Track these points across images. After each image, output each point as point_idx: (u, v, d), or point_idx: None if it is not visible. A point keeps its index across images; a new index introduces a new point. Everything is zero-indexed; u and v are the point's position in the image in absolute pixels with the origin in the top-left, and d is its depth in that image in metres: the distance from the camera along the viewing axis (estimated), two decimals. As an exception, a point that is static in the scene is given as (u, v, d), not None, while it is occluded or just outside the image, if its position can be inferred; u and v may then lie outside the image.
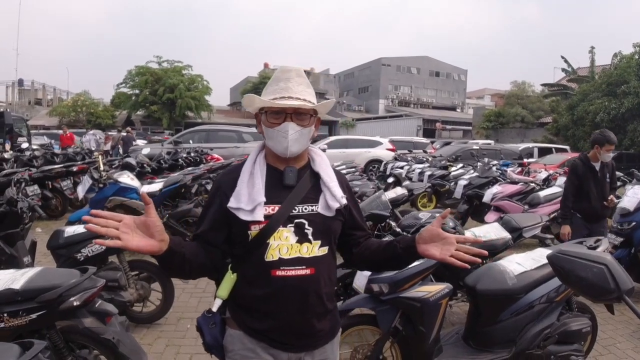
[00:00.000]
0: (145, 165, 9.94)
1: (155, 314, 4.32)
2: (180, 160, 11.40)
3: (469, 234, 4.07)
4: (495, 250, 4.11)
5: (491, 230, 4.24)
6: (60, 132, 21.71)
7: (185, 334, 4.16)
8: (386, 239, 3.26)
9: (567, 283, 1.65)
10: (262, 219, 1.64)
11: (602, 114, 24.90)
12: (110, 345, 2.74)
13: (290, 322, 1.69)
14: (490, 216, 7.36)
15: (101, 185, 6.64)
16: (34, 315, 2.56)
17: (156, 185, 6.99)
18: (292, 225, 1.68)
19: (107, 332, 2.77)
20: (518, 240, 4.53)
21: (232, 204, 1.67)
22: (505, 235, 4.19)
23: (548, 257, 1.69)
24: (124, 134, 21.03)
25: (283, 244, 1.66)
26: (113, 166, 8.53)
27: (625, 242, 5.34)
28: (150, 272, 4.30)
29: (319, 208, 1.73)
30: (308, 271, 1.67)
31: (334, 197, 1.73)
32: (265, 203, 1.66)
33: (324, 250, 1.72)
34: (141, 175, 8.87)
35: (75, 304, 2.62)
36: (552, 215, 7.22)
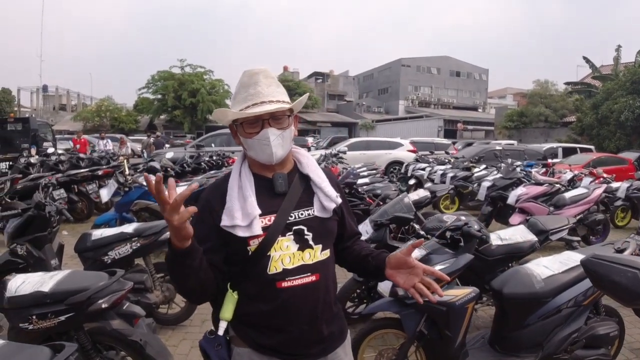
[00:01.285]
0: (169, 169, 10.06)
1: (181, 316, 4.36)
2: (202, 163, 11.53)
3: (494, 236, 4.03)
4: (521, 253, 4.06)
5: (517, 233, 4.19)
6: (74, 136, 20.82)
7: (209, 337, 4.18)
8: (409, 242, 3.24)
9: (600, 287, 1.64)
10: (260, 232, 1.58)
11: (627, 112, 24.47)
12: (138, 347, 2.76)
13: (300, 332, 1.63)
14: (515, 218, 7.27)
15: (127, 189, 6.75)
16: (62, 318, 2.60)
17: (180, 189, 7.03)
18: (291, 233, 1.63)
19: (134, 333, 2.80)
20: (545, 243, 4.46)
21: (225, 222, 1.60)
22: (532, 237, 4.13)
23: (582, 262, 1.67)
24: (152, 139, 21.25)
25: (285, 254, 1.61)
26: (138, 170, 8.63)
27: (653, 244, 5.22)
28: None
29: (315, 211, 1.68)
30: (313, 277, 1.63)
31: (328, 197, 1.69)
32: (260, 215, 1.60)
33: (326, 253, 1.69)
34: (165, 179, 8.94)
35: (103, 306, 2.66)
36: (578, 217, 7.12)
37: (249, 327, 1.67)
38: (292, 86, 51.76)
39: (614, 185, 9.40)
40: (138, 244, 4.00)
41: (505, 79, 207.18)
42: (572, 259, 3.16)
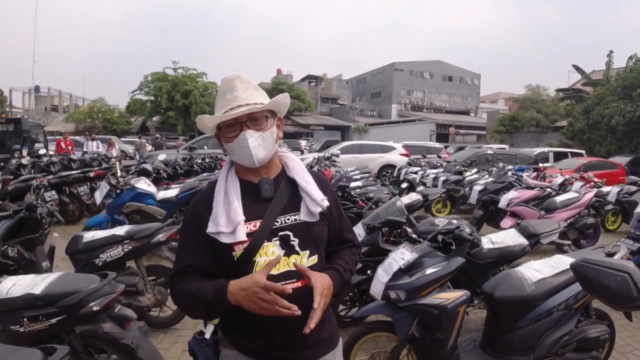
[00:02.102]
0: (161, 171, 10.03)
1: (172, 319, 4.34)
2: (195, 166, 11.50)
3: (485, 240, 4.05)
4: (512, 256, 4.08)
5: (508, 237, 4.21)
6: (60, 137, 19.46)
7: (201, 339, 4.17)
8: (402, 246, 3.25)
9: (590, 291, 1.66)
10: (244, 238, 1.58)
11: (618, 117, 24.69)
12: (129, 350, 2.75)
13: (285, 337, 1.62)
14: (506, 222, 7.30)
15: (118, 191, 6.72)
16: (53, 320, 2.59)
17: (172, 191, 7.04)
18: (277, 238, 1.61)
19: (126, 337, 2.79)
20: (535, 247, 4.49)
21: (210, 228, 1.60)
22: (523, 241, 4.15)
23: (571, 266, 1.69)
24: (144, 140, 21.08)
25: (270, 260, 1.58)
26: (130, 172, 8.60)
27: (643, 248, 5.26)
28: (167, 277, 4.33)
29: (302, 216, 1.66)
30: (299, 284, 1.59)
31: (314, 201, 1.67)
32: (245, 220, 1.60)
33: (314, 259, 1.67)
34: (157, 181, 8.94)
35: (95, 309, 2.65)
36: (569, 221, 7.16)
37: (235, 330, 1.67)
38: (286, 89, 51.80)
39: (605, 189, 9.48)
40: (130, 247, 3.98)
41: (497, 83, 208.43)
42: (562, 262, 3.18)
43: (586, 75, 35.34)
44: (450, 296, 3.01)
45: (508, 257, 4.06)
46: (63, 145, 16.73)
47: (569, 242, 6.14)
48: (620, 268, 1.48)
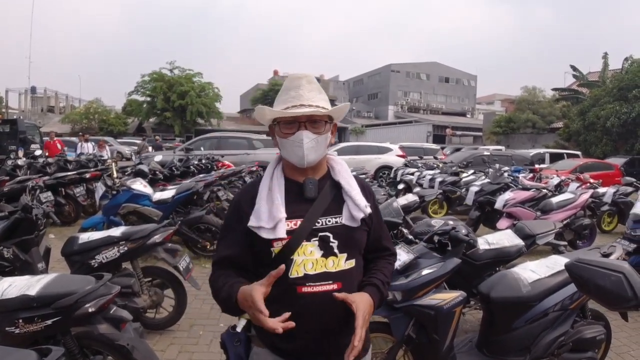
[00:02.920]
0: (157, 172, 10.01)
1: (168, 320, 4.33)
2: (191, 167, 11.46)
3: (481, 240, 4.06)
4: (508, 257, 4.09)
5: (504, 237, 4.22)
6: (48, 139, 18.25)
7: (198, 340, 4.17)
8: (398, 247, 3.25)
9: (585, 291, 1.66)
10: (284, 235, 1.59)
11: (613, 118, 24.76)
12: (125, 352, 2.74)
13: (318, 340, 1.62)
14: (503, 223, 7.31)
15: (114, 192, 6.71)
16: (49, 322, 2.58)
17: (169, 193, 7.03)
18: (316, 239, 1.62)
19: (121, 338, 2.78)
20: (531, 248, 4.50)
21: (252, 222, 1.62)
22: (519, 242, 4.16)
23: (566, 266, 1.69)
24: (144, 141, 21.00)
25: (308, 259, 1.61)
26: (126, 173, 8.59)
27: (639, 248, 5.29)
28: (163, 279, 4.32)
29: (343, 219, 1.66)
30: (335, 286, 1.60)
31: (357, 206, 1.67)
32: (287, 218, 1.61)
33: (351, 263, 1.67)
34: (153, 182, 8.93)
35: (90, 310, 2.64)
36: (565, 222, 7.18)
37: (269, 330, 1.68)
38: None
39: (601, 190, 9.52)
40: (125, 248, 3.97)
41: (494, 85, 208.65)
42: (558, 263, 3.18)
43: (582, 76, 35.43)
44: (447, 297, 3.01)
45: (504, 258, 4.07)
46: (59, 146, 16.53)
47: (565, 243, 6.16)
48: (614, 268, 1.48)
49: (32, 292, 2.60)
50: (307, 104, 1.62)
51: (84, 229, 6.22)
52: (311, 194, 1.66)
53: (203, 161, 12.41)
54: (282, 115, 1.63)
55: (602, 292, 1.49)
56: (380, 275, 1.76)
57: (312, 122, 1.63)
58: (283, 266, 1.53)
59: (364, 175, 10.86)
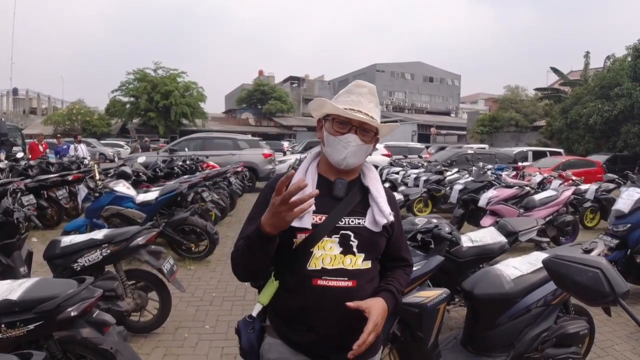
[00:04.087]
0: (141, 173, 9.92)
1: (153, 323, 4.30)
2: (176, 168, 11.39)
3: (465, 238, 4.08)
4: (491, 254, 4.12)
5: (487, 235, 4.25)
6: (34, 140, 17.56)
7: (183, 343, 4.15)
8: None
9: (562, 287, 1.67)
10: (309, 226, 1.64)
11: (596, 116, 25.08)
12: (109, 356, 2.72)
13: (329, 335, 1.67)
14: (486, 220, 7.38)
15: (97, 195, 6.64)
16: (31, 326, 2.55)
17: (152, 194, 6.98)
18: (338, 236, 1.68)
19: (105, 342, 2.76)
20: (514, 244, 4.54)
21: None
22: (502, 239, 4.20)
23: (543, 262, 1.70)
24: (137, 144, 20.77)
25: (327, 254, 1.66)
26: (109, 175, 8.50)
27: (621, 244, 5.36)
28: (147, 281, 4.29)
29: (366, 222, 1.72)
30: (350, 283, 1.66)
31: (381, 212, 1.72)
32: (314, 212, 1.66)
33: (367, 264, 1.71)
34: (137, 184, 8.86)
35: (72, 314, 2.61)
36: (547, 219, 7.27)
37: (282, 321, 1.74)
38: (268, 90, 51.66)
39: (583, 187, 9.63)
40: (108, 251, 3.93)
41: (477, 84, 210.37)
42: (540, 259, 3.21)
43: (564, 76, 35.83)
44: (430, 294, 3.02)
45: (487, 255, 4.11)
46: (41, 148, 16.27)
47: (548, 240, 6.21)
48: (591, 264, 1.49)
49: (14, 296, 2.57)
50: (365, 111, 1.69)
51: (66, 232, 6.15)
52: (340, 193, 1.73)
53: (187, 162, 12.32)
54: (341, 113, 1.68)
55: (579, 288, 1.50)
56: (396, 283, 1.82)
57: (363, 129, 1.71)
58: (293, 172, 1.59)
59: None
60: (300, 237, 1.66)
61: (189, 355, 3.94)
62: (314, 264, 1.65)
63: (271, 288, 1.74)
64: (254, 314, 1.79)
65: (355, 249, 1.69)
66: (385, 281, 1.81)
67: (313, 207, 1.63)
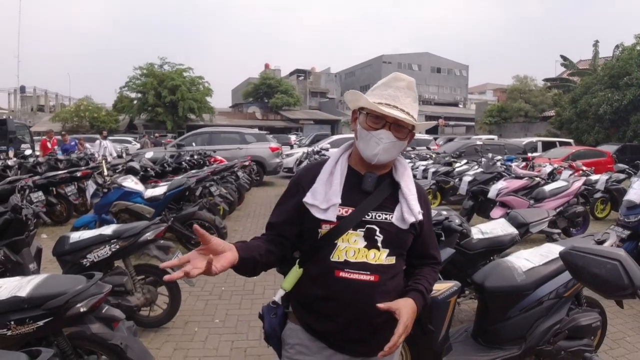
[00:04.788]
0: (148, 169, 9.92)
1: (163, 318, 4.31)
2: (183, 163, 11.39)
3: (475, 230, 4.05)
4: (502, 246, 4.08)
5: (498, 226, 4.21)
6: (45, 137, 17.34)
7: (193, 337, 4.15)
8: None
9: (579, 279, 1.64)
10: (334, 219, 1.64)
11: (605, 106, 24.86)
12: (118, 351, 2.72)
13: (347, 326, 1.67)
14: (496, 212, 7.33)
15: (105, 190, 6.66)
16: (40, 323, 2.55)
17: (160, 189, 6.98)
18: (363, 230, 1.66)
19: (114, 337, 2.76)
20: (525, 236, 4.50)
21: (308, 199, 1.68)
22: (512, 231, 4.16)
23: (560, 254, 1.67)
24: (146, 138, 20.85)
25: (350, 247, 1.65)
26: (117, 171, 8.52)
27: (632, 234, 5.31)
28: (157, 276, 4.29)
29: (394, 218, 1.69)
30: (372, 278, 1.65)
31: (410, 210, 1.69)
32: (340, 204, 1.66)
33: (391, 260, 1.70)
34: (145, 179, 8.87)
35: (82, 310, 2.60)
36: (558, 210, 7.20)
37: (303, 308, 1.76)
38: (274, 84, 51.65)
39: (594, 177, 9.55)
40: (117, 246, 3.93)
41: (485, 75, 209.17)
42: (552, 251, 3.18)
43: (573, 65, 35.52)
44: (441, 287, 2.99)
45: (498, 247, 4.06)
46: (49, 145, 16.35)
47: (559, 231, 6.15)
48: (610, 256, 1.46)
49: (23, 293, 2.57)
50: (401, 107, 1.64)
51: (76, 228, 6.17)
52: (368, 187, 1.71)
53: (195, 157, 12.33)
54: (375, 107, 1.63)
55: (597, 280, 1.47)
56: (425, 282, 1.80)
57: (397, 125, 1.66)
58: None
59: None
60: (325, 228, 1.66)
61: (199, 349, 3.94)
62: (337, 256, 1.65)
63: (295, 275, 1.75)
64: (276, 298, 1.81)
65: (380, 244, 1.67)
66: (414, 280, 1.79)
67: (339, 200, 1.64)
